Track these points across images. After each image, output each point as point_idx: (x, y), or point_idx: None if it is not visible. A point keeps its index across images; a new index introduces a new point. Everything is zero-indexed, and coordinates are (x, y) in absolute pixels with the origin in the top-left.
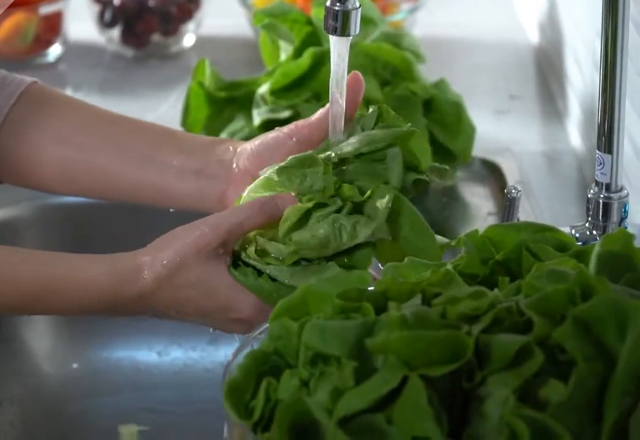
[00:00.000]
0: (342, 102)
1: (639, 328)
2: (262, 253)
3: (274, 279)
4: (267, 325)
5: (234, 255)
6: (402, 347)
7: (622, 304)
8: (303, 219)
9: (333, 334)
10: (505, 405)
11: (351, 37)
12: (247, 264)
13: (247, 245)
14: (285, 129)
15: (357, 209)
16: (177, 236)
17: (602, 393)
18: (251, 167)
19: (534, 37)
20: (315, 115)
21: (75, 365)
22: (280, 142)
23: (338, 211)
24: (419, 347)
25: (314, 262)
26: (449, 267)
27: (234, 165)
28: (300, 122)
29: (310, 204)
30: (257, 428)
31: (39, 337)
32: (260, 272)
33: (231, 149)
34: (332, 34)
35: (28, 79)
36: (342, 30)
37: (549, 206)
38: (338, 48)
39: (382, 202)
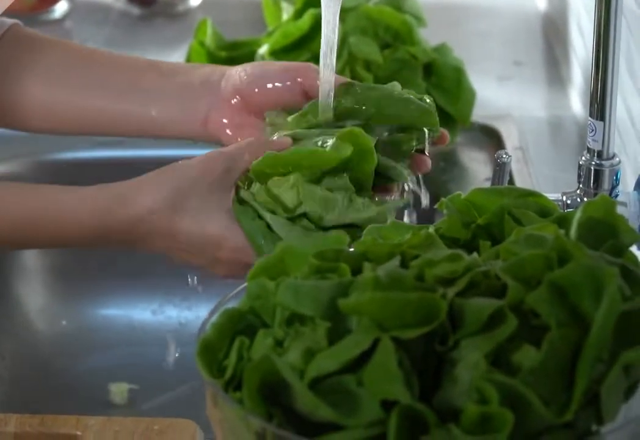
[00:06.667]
0: (333, 65)
1: (614, 294)
2: (268, 194)
3: (270, 229)
4: (244, 285)
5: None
6: (375, 308)
7: (597, 270)
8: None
9: (306, 294)
10: (476, 369)
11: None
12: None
13: (252, 183)
14: (272, 65)
15: None
16: (176, 166)
17: (575, 359)
18: (238, 95)
19: (541, 3)
20: (305, 65)
21: (67, 322)
22: (267, 79)
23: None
24: (392, 309)
25: (313, 230)
26: (431, 230)
27: (221, 87)
28: (289, 65)
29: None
30: (228, 387)
31: (33, 293)
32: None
33: (217, 72)
34: None
35: (9, 20)
36: None
37: (547, 172)
38: (328, 9)
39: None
